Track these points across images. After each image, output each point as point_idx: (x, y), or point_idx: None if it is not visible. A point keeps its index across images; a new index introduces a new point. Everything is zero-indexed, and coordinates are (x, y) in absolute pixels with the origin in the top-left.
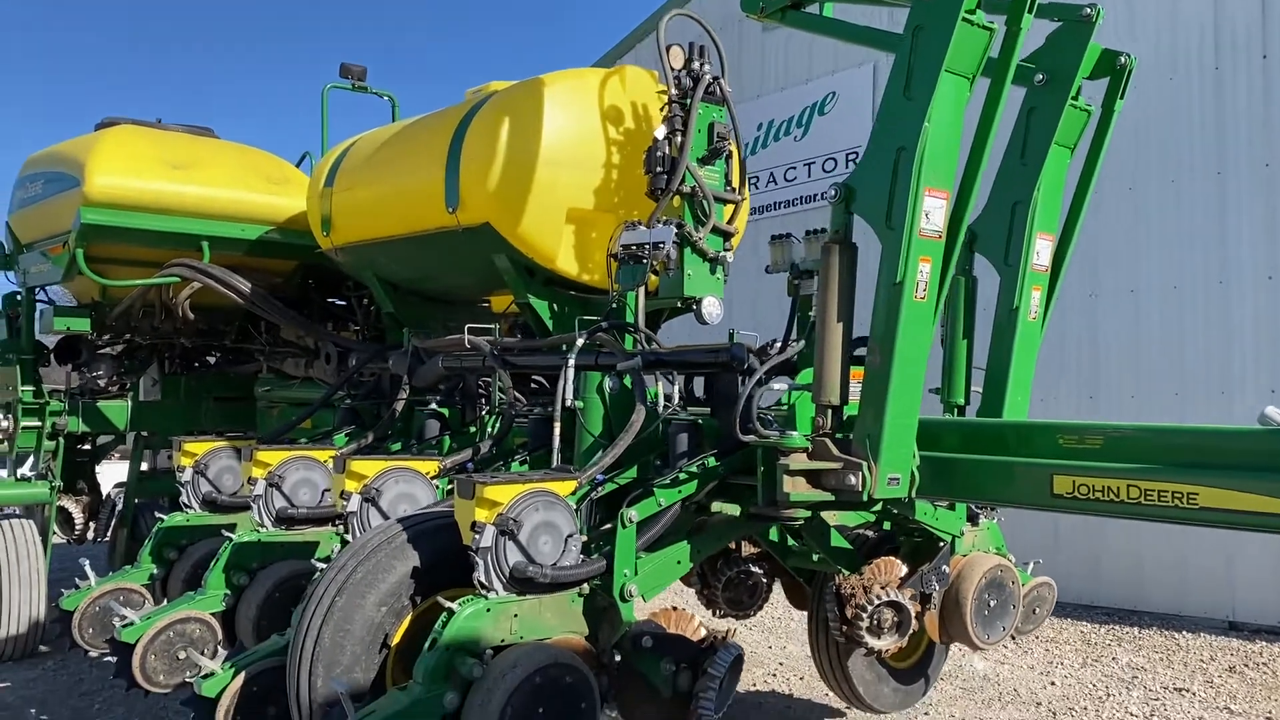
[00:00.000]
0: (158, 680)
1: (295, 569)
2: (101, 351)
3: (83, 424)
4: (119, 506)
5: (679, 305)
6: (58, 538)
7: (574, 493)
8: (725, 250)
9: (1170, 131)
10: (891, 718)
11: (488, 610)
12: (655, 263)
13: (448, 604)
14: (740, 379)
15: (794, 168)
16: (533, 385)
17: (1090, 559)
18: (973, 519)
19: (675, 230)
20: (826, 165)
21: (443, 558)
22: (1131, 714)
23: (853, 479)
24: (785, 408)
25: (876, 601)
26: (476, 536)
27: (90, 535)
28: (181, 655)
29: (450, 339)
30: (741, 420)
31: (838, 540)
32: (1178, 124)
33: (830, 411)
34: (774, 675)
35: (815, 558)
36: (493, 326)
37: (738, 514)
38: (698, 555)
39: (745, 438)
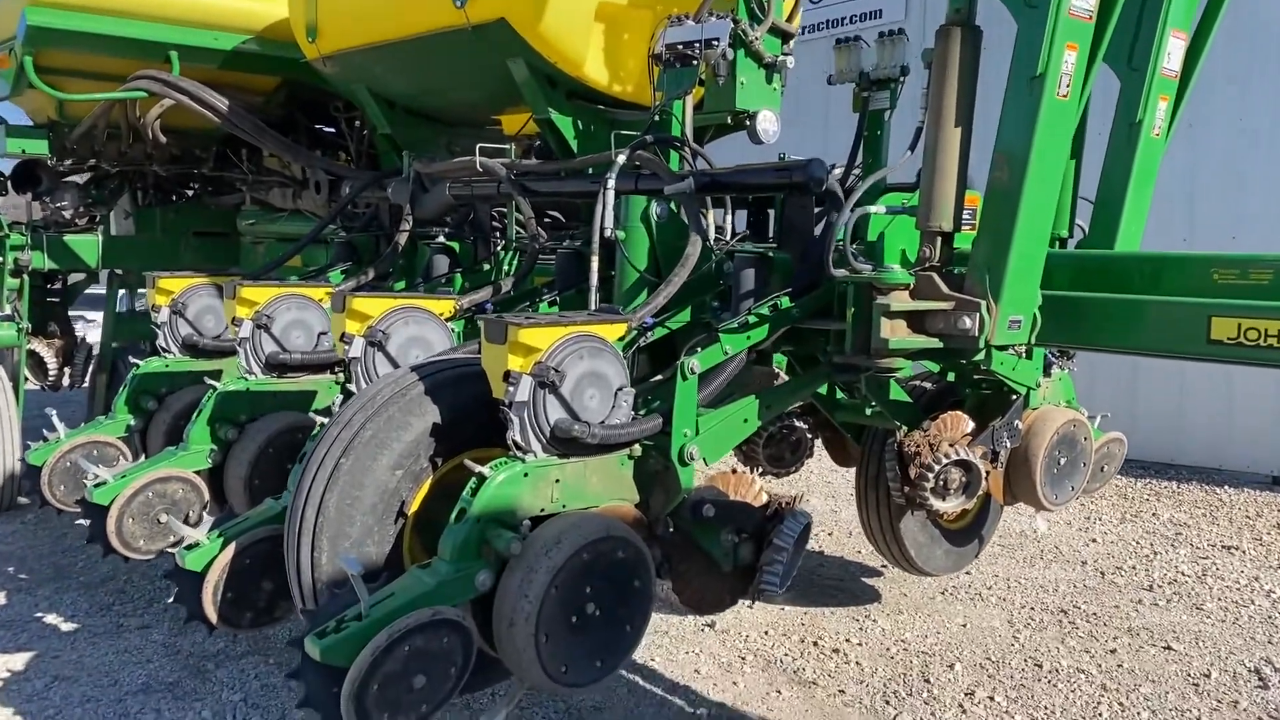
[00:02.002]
0: (137, 546)
1: (291, 422)
2: (66, 180)
3: (49, 260)
4: (96, 350)
5: (728, 121)
6: (30, 384)
7: (622, 338)
8: (784, 55)
9: None
10: (934, 578)
11: (525, 475)
12: (705, 67)
13: (477, 468)
14: (816, 204)
15: None
16: (546, 219)
17: (1126, 409)
18: (1045, 368)
19: (731, 26)
20: None
21: (467, 412)
22: (1183, 574)
23: (967, 321)
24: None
25: (945, 460)
26: (510, 389)
27: (66, 382)
28: (163, 519)
29: (458, 162)
30: (831, 252)
31: (897, 393)
32: None
33: (940, 239)
34: None
35: (869, 411)
36: (506, 147)
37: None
38: (766, 412)
39: (836, 272)
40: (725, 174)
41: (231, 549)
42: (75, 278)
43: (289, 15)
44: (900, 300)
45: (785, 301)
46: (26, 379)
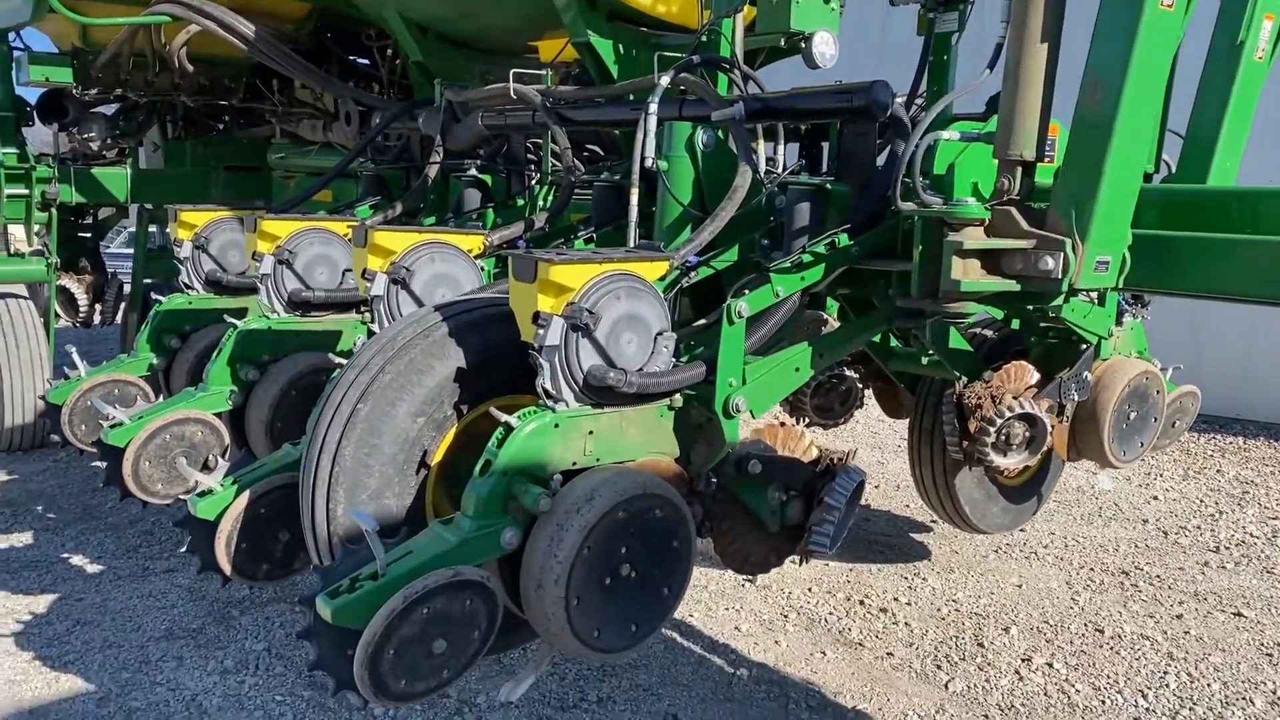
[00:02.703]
0: (155, 490)
1: (314, 363)
2: (93, 110)
3: (76, 194)
4: (126, 287)
5: (781, 44)
6: (61, 321)
7: (663, 278)
8: None
9: None
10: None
11: (555, 426)
12: None
13: (503, 417)
14: (879, 130)
15: None
16: (585, 153)
17: (1191, 361)
18: (1117, 316)
19: None
20: None
21: (495, 356)
22: (1251, 535)
23: (1049, 262)
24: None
25: (1007, 414)
26: (540, 331)
27: (97, 318)
28: (182, 463)
29: (491, 89)
30: (900, 182)
31: (957, 340)
32: None
33: (1020, 169)
34: None
35: (925, 360)
36: (542, 74)
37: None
38: (820, 361)
39: (903, 206)
40: (778, 98)
41: (245, 498)
42: (105, 212)
43: None
44: (974, 237)
45: (843, 239)
46: (57, 315)
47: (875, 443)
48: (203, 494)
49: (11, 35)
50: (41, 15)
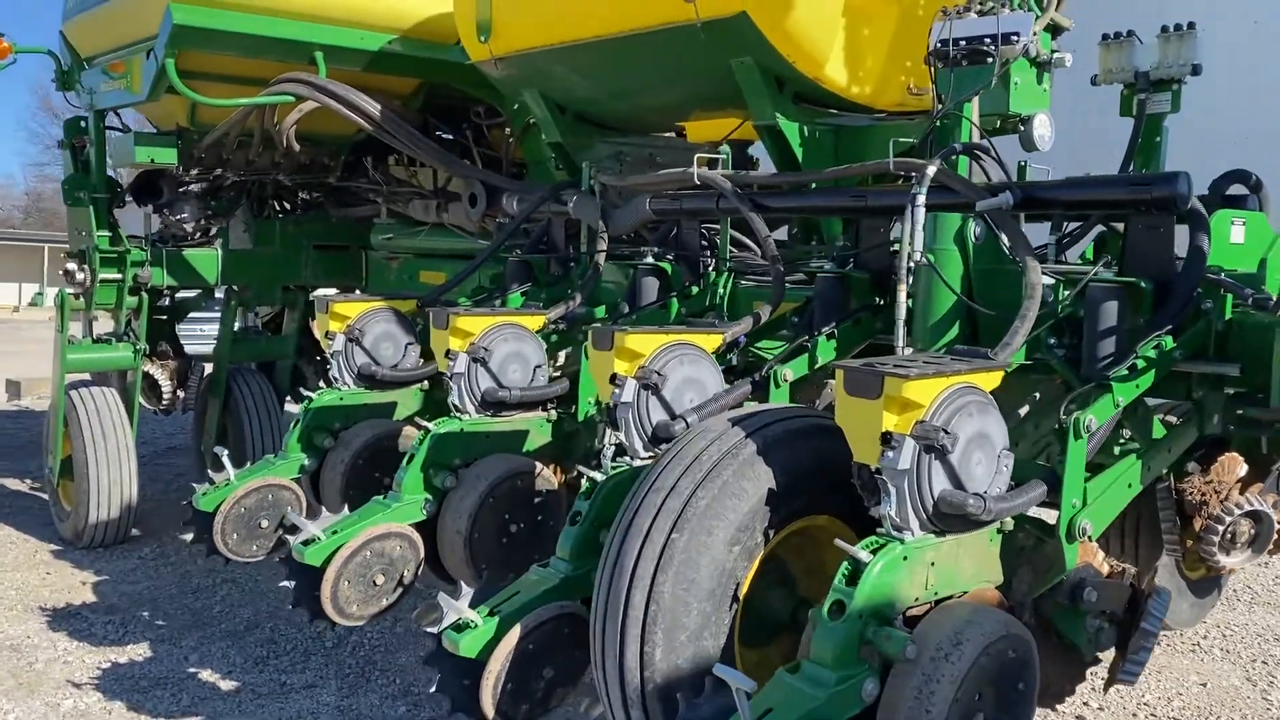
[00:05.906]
0: (350, 611)
1: (513, 467)
2: (184, 190)
3: (168, 276)
4: (209, 372)
5: (997, 125)
6: (144, 408)
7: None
8: (1055, 52)
9: None
10: None
11: (904, 559)
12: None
13: (851, 550)
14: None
15: None
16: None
17: None
18: None
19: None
20: None
21: (801, 477)
22: None
23: None
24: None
25: (1235, 511)
26: (889, 454)
27: (179, 406)
28: (379, 581)
29: (667, 174)
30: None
31: (1159, 430)
32: None
33: None
34: None
35: (1117, 449)
36: (720, 156)
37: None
38: (1147, 474)
39: (1257, 313)
40: (1048, 187)
41: (515, 634)
42: (184, 294)
43: (455, 13)
44: None
45: (1169, 341)
46: (140, 403)
47: None
48: (460, 627)
49: (109, 115)
50: (158, 95)
